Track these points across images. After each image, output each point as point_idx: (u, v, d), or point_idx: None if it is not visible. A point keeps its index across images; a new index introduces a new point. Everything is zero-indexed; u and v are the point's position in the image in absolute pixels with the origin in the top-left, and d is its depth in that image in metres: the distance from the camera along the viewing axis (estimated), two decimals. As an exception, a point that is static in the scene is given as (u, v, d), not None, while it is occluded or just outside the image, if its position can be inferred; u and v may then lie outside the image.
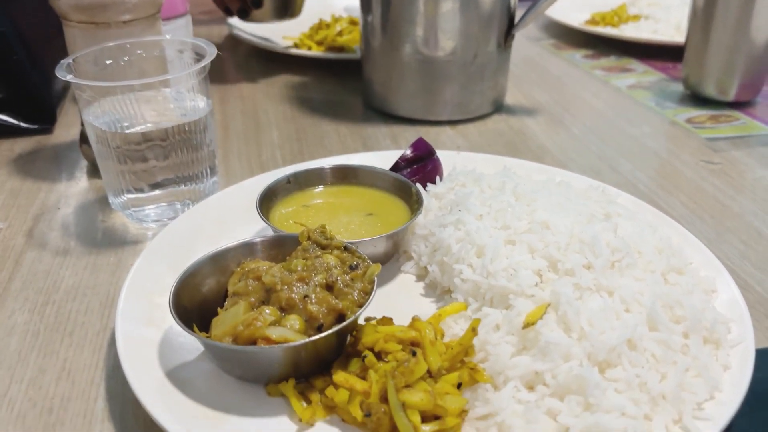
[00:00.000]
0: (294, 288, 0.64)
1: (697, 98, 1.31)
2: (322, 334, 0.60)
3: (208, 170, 0.91)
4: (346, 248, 0.71)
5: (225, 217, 0.87)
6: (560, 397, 0.59)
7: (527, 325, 0.62)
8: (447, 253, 0.74)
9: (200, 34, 1.61)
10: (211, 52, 0.86)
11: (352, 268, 0.67)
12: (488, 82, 1.22)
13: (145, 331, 0.67)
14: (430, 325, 0.64)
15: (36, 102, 1.18)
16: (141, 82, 0.83)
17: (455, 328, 0.68)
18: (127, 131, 0.85)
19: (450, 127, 1.21)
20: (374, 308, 0.65)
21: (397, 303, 0.74)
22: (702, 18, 1.23)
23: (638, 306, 0.65)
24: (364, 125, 1.23)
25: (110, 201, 0.92)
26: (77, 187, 1.02)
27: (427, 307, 0.74)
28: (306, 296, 0.63)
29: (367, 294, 0.65)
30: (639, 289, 0.67)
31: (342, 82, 1.43)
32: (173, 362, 0.64)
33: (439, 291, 0.76)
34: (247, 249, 0.72)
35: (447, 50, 1.15)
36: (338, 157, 1.00)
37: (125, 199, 0.88)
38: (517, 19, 1.21)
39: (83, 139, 1.04)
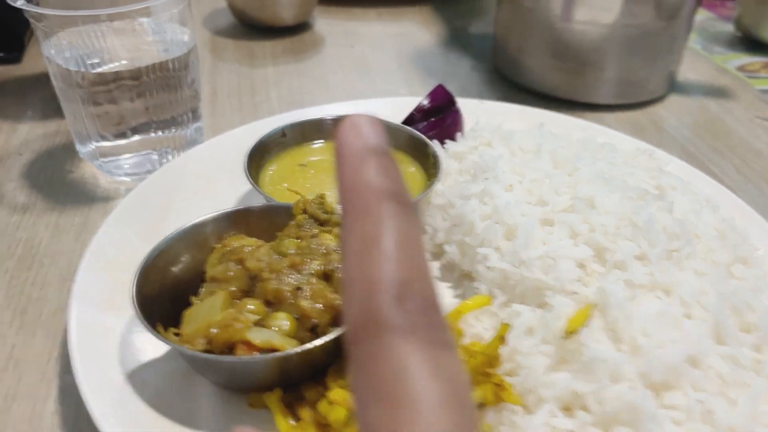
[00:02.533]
0: (284, 277, 0.52)
1: (750, 42, 1.16)
2: (316, 343, 0.48)
3: (190, 114, 0.78)
4: (348, 224, 0.58)
5: (208, 173, 0.74)
6: (605, 428, 0.48)
7: (569, 333, 0.50)
8: (469, 232, 0.62)
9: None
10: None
11: (356, 252, 0.55)
12: (667, 56, 0.96)
13: (105, 318, 0.56)
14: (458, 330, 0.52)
15: (1, 26, 1.04)
16: (112, 11, 0.69)
17: (476, 327, 0.56)
18: (96, 70, 0.72)
19: (608, 112, 0.97)
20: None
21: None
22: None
23: (701, 310, 0.54)
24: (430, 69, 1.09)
25: (77, 149, 0.79)
26: (45, 129, 0.89)
27: (443, 294, 0.62)
28: (298, 288, 0.52)
29: (372, 286, 0.53)
30: (701, 286, 0.55)
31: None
32: (136, 360, 0.53)
33: (457, 275, 0.64)
34: (229, 221, 0.60)
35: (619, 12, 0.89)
36: (344, 104, 0.87)
37: (93, 147, 0.76)
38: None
39: (51, 72, 0.90)
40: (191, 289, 0.57)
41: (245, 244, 0.57)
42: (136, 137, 0.75)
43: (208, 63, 1.07)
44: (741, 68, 1.08)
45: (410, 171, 0.71)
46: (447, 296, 0.62)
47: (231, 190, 0.72)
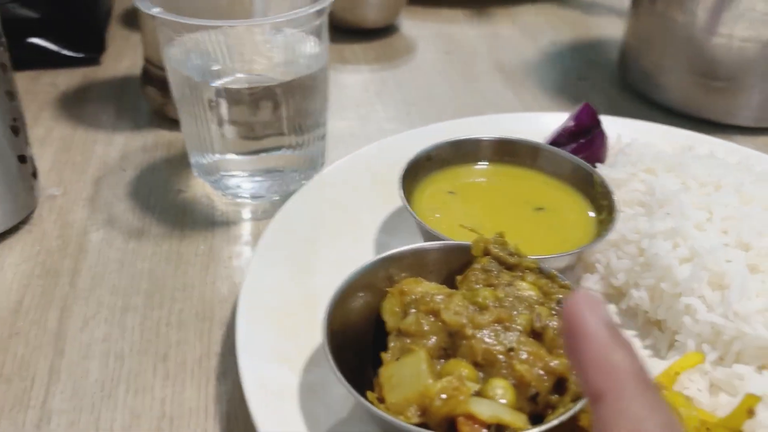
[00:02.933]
0: (491, 334, 0.46)
1: None
2: (555, 422, 0.42)
3: (320, 132, 0.72)
4: (541, 270, 0.53)
5: (346, 199, 0.68)
6: None
7: (824, 407, 0.45)
8: (665, 277, 0.56)
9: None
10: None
11: (562, 305, 0.49)
12: None
13: (280, 374, 0.50)
14: (685, 398, 0.46)
15: (80, 24, 0.97)
16: (256, 22, 0.63)
17: (690, 389, 0.50)
18: (223, 81, 0.65)
19: (753, 136, 0.89)
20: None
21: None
22: None
23: None
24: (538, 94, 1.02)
25: (192, 162, 0.73)
26: (142, 140, 0.83)
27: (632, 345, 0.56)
28: (511, 349, 0.46)
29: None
30: None
31: None
32: (322, 426, 0.47)
33: (642, 322, 0.58)
34: (401, 262, 0.54)
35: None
36: (467, 119, 0.80)
37: (214, 159, 0.69)
38: None
39: (146, 78, 0.84)
40: (367, 341, 0.51)
41: (430, 291, 0.51)
42: (263, 154, 0.69)
43: (299, 68, 1.00)
44: None
45: (573, 200, 0.65)
46: (636, 347, 0.56)
47: (373, 218, 0.66)
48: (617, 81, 1.00)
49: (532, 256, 0.54)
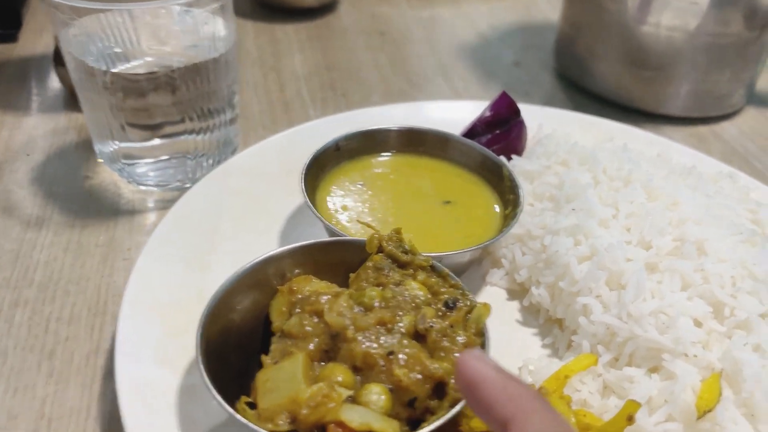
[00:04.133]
0: (372, 337, 0.45)
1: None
2: (428, 429, 0.41)
3: (227, 116, 0.69)
4: (433, 268, 0.51)
5: (252, 188, 0.66)
6: None
7: (704, 412, 0.44)
8: (564, 275, 0.55)
9: None
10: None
11: (449, 306, 0.48)
12: (753, 68, 0.88)
13: (159, 374, 0.48)
14: (565, 404, 0.46)
15: (-4, -1, 0.93)
16: (144, 5, 0.60)
17: (582, 391, 0.50)
18: (123, 66, 0.63)
19: (680, 126, 0.88)
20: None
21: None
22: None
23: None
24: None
25: (96, 150, 0.70)
26: (55, 123, 0.80)
27: (529, 344, 0.56)
28: (391, 353, 0.44)
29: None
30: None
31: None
32: (198, 428, 0.46)
33: (544, 320, 0.57)
34: (293, 258, 0.52)
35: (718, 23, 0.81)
36: (391, 107, 0.79)
37: (116, 147, 0.66)
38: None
39: (58, 58, 0.80)
40: (253, 341, 0.50)
41: (318, 290, 0.49)
42: (166, 140, 0.66)
43: (227, 49, 0.97)
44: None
45: (482, 193, 0.64)
46: (535, 346, 0.55)
47: (279, 209, 0.64)
48: (552, 68, 0.99)
49: (435, 251, 0.53)
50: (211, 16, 0.65)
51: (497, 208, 0.62)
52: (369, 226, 0.55)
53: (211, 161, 0.70)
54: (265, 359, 0.46)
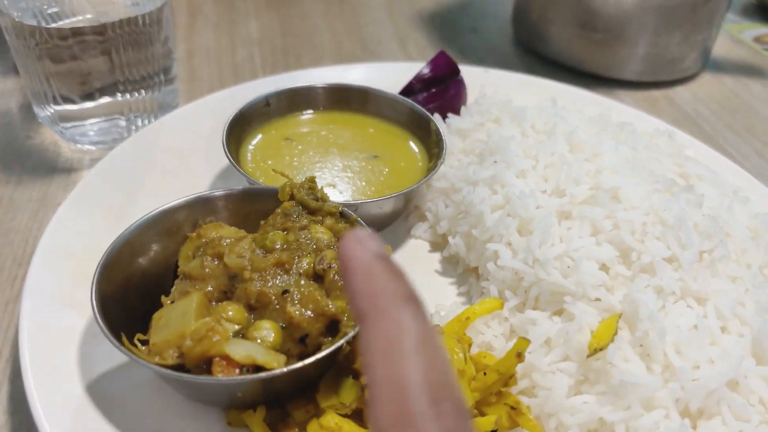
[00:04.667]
0: (269, 277, 0.45)
1: (766, 10, 1.09)
2: (307, 362, 0.42)
3: (162, 76, 0.70)
4: (342, 214, 0.52)
5: (183, 145, 0.66)
6: (636, 460, 0.42)
7: (594, 351, 0.44)
8: (477, 223, 0.55)
9: None
10: None
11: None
12: (704, 32, 0.86)
13: (63, 317, 0.49)
14: (457, 342, 0.46)
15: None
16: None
17: (486, 334, 0.50)
18: (55, 24, 0.63)
19: (634, 90, 0.88)
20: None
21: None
22: None
23: (739, 323, 0.48)
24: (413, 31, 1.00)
25: (35, 112, 0.70)
26: (2, 85, 0.80)
27: (445, 292, 0.56)
28: (285, 291, 0.45)
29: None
30: (737, 296, 0.49)
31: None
32: (98, 368, 0.46)
33: (462, 270, 0.58)
34: (205, 206, 0.53)
35: None
36: (332, 68, 0.79)
37: (53, 111, 0.67)
38: None
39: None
40: (162, 286, 0.50)
41: (224, 235, 0.50)
42: (102, 100, 0.67)
43: (184, 17, 0.98)
44: (757, 39, 1.01)
45: (409, 148, 0.64)
46: (451, 294, 0.56)
47: (209, 167, 0.65)
48: (509, 34, 0.98)
49: (351, 201, 0.53)
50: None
51: (422, 162, 0.62)
52: (283, 174, 0.55)
53: (147, 121, 0.70)
54: (165, 300, 0.47)
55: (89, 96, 0.66)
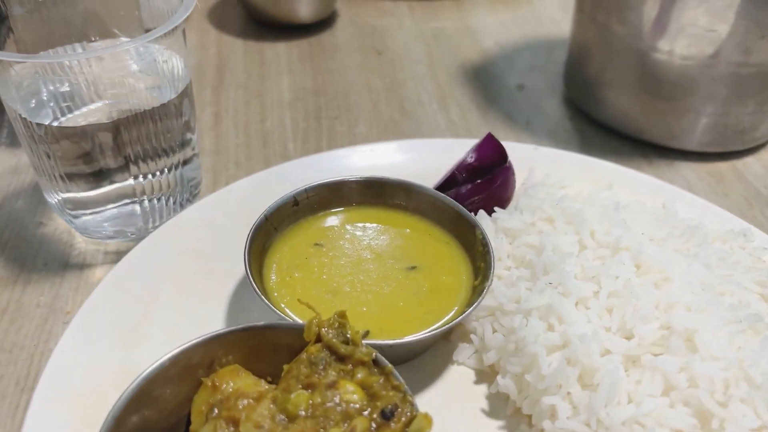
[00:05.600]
0: (291, 455, 0.39)
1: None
2: None
3: (180, 156, 0.64)
4: (376, 362, 0.45)
5: (205, 246, 0.61)
6: None
7: None
8: (532, 367, 0.48)
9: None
10: (186, 4, 0.57)
11: (386, 416, 0.42)
12: None
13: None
14: None
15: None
16: (92, 54, 0.55)
17: None
18: (63, 120, 0.58)
19: (697, 162, 0.79)
20: None
21: (446, 423, 0.49)
22: None
23: None
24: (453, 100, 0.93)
25: (46, 198, 0.65)
26: (13, 160, 0.76)
27: (493, 440, 0.49)
28: (310, 477, 0.39)
29: (408, 472, 0.40)
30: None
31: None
32: None
33: (511, 411, 0.51)
34: (223, 344, 0.47)
35: (708, 50, 0.72)
36: (366, 147, 0.72)
37: (59, 198, 0.62)
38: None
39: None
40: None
41: (242, 389, 0.44)
42: (113, 185, 0.61)
43: (212, 72, 0.92)
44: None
45: (452, 256, 0.57)
46: (498, 443, 0.49)
47: (229, 270, 0.59)
48: (560, 92, 0.91)
49: (392, 329, 0.48)
50: (162, 52, 0.60)
51: (466, 276, 0.56)
52: (310, 306, 0.49)
53: (166, 206, 0.64)
54: (174, 472, 0.41)
55: (99, 182, 0.61)
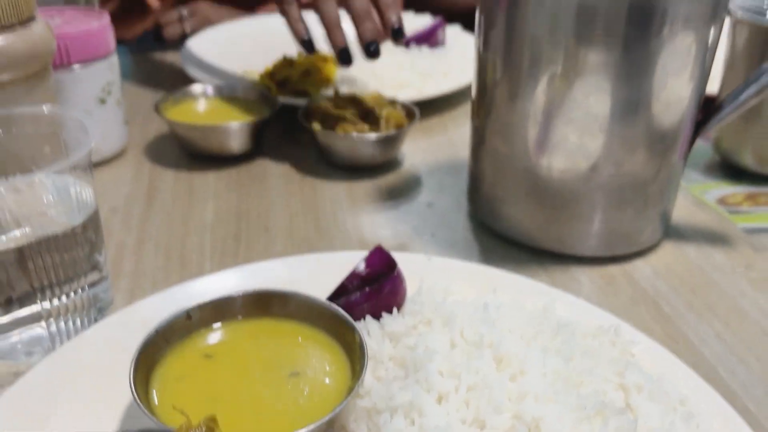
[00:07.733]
0: None
1: (730, 168, 1.07)
2: None
3: (87, 278, 0.68)
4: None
5: (103, 363, 0.63)
6: None
7: None
8: (393, 463, 0.51)
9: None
10: (86, 142, 0.63)
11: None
12: (660, 203, 0.85)
13: None
14: None
15: None
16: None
17: None
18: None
19: (591, 266, 0.85)
20: None
21: None
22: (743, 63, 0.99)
23: None
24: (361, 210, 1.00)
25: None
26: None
27: None
28: None
29: None
30: None
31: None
32: None
33: None
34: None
35: (588, 164, 0.80)
36: (270, 262, 0.77)
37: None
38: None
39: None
40: None
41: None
42: (20, 311, 0.65)
43: (142, 201, 0.98)
44: (721, 200, 1.00)
45: (334, 361, 0.61)
46: None
47: (124, 393, 0.61)
48: (465, 209, 0.97)
49: None
50: (72, 181, 0.66)
51: (347, 379, 0.59)
52: (182, 413, 0.52)
53: (77, 323, 0.68)
54: None
55: (4, 307, 0.65)
